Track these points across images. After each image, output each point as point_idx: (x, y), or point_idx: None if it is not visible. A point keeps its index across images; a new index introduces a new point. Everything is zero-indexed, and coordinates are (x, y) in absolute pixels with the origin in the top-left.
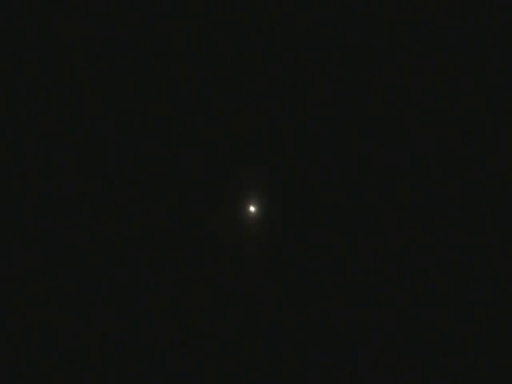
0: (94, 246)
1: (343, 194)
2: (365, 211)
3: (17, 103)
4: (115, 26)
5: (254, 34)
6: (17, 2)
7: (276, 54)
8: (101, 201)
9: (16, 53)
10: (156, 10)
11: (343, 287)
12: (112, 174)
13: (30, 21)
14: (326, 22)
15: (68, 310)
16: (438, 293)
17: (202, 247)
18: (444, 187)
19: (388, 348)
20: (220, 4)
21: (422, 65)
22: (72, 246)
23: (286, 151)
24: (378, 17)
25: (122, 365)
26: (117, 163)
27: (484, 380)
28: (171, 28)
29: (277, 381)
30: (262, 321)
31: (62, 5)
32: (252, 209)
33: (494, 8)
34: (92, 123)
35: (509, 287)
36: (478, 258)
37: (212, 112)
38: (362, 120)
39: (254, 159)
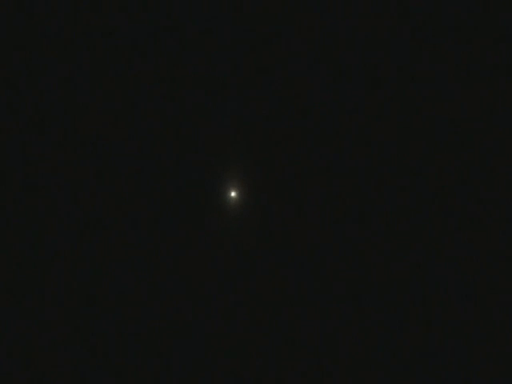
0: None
1: (325, 179)
2: (347, 195)
3: (17, 104)
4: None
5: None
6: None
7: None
8: (86, 187)
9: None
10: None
11: (327, 270)
12: (97, 163)
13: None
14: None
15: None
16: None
17: (184, 233)
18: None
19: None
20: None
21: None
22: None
23: (268, 138)
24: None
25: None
26: (102, 151)
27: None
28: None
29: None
30: (246, 306)
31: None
32: (233, 194)
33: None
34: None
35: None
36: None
37: (195, 99)
38: (345, 105)
39: (235, 146)
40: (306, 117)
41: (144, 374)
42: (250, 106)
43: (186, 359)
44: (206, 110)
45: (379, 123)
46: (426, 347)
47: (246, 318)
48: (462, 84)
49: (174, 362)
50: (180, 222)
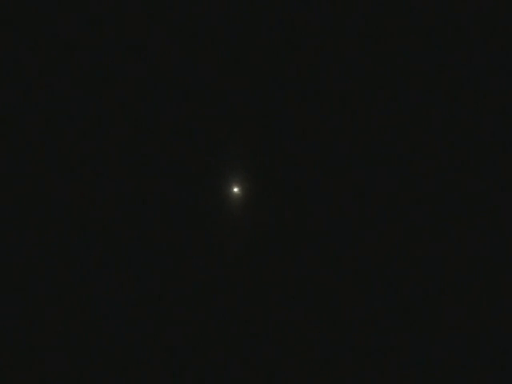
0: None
1: (328, 173)
2: (349, 189)
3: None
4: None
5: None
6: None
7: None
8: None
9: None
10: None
11: (328, 264)
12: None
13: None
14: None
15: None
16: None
17: (186, 229)
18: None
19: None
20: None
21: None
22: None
23: (270, 132)
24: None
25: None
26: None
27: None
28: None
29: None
30: (246, 304)
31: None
32: (236, 190)
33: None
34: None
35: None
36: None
37: (196, 94)
38: (347, 101)
39: (237, 141)
40: (308, 111)
41: (144, 373)
42: (252, 100)
43: (187, 359)
44: (207, 104)
45: (379, 121)
46: (426, 347)
47: (249, 313)
48: (463, 84)
49: (173, 362)
50: (182, 218)
